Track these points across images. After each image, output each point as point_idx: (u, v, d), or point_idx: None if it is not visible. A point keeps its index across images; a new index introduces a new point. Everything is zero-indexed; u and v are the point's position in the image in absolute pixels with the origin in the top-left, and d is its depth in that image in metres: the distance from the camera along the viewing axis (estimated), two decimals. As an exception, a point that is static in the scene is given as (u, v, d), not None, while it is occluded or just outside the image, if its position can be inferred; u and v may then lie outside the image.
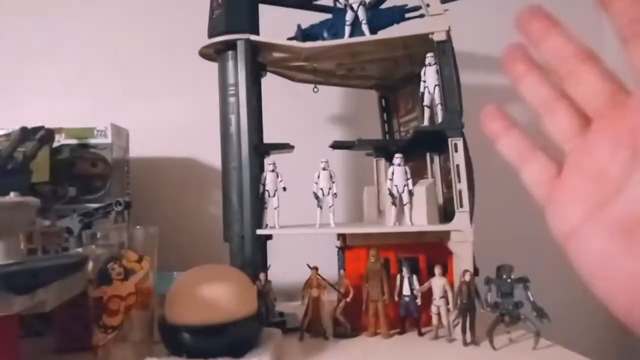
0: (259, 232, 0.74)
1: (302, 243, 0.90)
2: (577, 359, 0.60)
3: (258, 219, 0.75)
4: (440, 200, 0.79)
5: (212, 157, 0.93)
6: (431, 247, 0.74)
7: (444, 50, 0.69)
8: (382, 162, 0.88)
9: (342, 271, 0.73)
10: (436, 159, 0.80)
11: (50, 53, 1.10)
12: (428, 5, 0.70)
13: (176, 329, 0.57)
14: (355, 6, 0.73)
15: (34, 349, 0.68)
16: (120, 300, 0.57)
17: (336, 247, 0.80)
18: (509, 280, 0.64)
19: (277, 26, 0.78)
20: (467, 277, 0.65)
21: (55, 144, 0.85)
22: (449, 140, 0.68)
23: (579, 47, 0.26)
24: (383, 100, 0.96)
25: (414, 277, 0.70)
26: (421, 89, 0.72)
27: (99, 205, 0.73)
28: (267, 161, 0.77)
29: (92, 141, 0.87)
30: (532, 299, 0.63)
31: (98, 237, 0.63)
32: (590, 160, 0.25)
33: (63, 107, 1.04)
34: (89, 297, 0.59)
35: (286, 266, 0.85)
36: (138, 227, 0.65)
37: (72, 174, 0.87)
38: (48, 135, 0.77)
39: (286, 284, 0.85)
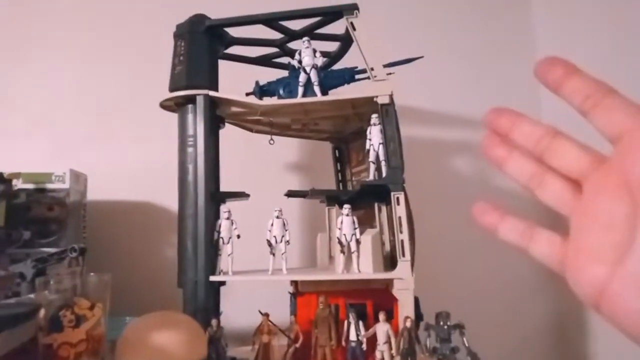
0: (212, 278, 0.76)
1: (256, 288, 0.93)
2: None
3: (212, 266, 0.77)
4: (388, 248, 0.83)
5: (170, 201, 0.95)
6: (378, 293, 0.78)
7: (387, 112, 0.75)
8: (334, 210, 0.93)
9: (292, 317, 0.76)
10: (383, 208, 0.85)
11: (11, 97, 1.12)
12: (372, 69, 0.77)
13: (125, 377, 0.59)
14: (307, 69, 0.79)
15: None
16: (71, 348, 0.58)
17: (289, 292, 0.83)
18: (446, 326, 0.69)
19: (236, 79, 0.83)
20: (408, 324, 0.69)
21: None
22: (392, 194, 0.74)
23: (545, 128, 0.29)
24: (336, 151, 1.02)
25: (360, 323, 0.73)
26: (367, 147, 0.78)
27: (54, 251, 0.74)
28: (223, 209, 0.80)
29: (50, 186, 0.89)
30: (467, 345, 0.68)
31: (51, 283, 0.64)
32: (594, 219, 0.25)
33: (22, 151, 1.05)
34: (38, 343, 0.60)
35: (240, 310, 0.86)
36: (92, 274, 0.67)
37: (28, 218, 0.87)
38: (6, 188, 0.79)
39: (240, 328, 0.86)
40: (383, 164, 0.76)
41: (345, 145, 1.00)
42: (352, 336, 0.73)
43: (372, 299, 0.79)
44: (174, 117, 0.84)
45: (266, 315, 0.73)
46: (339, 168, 1.02)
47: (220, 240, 0.78)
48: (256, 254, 0.80)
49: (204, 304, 0.76)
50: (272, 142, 0.91)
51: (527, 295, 1.14)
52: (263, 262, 0.79)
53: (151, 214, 1.09)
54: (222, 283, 0.80)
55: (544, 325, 1.15)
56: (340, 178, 1.02)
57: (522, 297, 1.15)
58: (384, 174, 0.76)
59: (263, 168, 1.10)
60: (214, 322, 0.73)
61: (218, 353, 0.72)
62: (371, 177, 0.78)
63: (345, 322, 0.74)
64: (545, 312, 1.15)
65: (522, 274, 1.12)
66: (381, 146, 0.76)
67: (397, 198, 0.74)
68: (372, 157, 0.77)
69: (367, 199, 0.84)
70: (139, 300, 0.85)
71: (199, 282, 0.76)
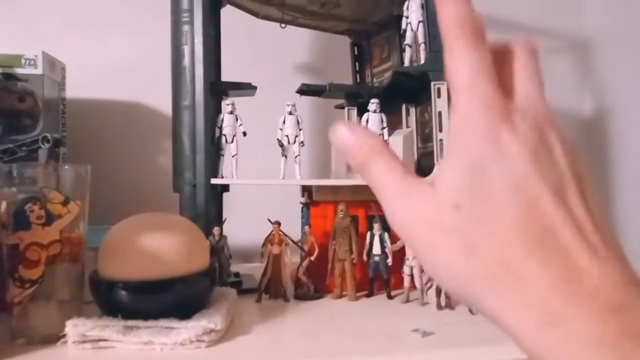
0: (213, 181, 0.65)
1: (262, 198, 0.82)
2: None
3: (213, 167, 0.66)
4: (416, 156, 0.72)
5: (161, 102, 0.83)
6: (404, 205, 0.67)
7: (432, -19, 0.61)
8: (354, 112, 0.80)
9: (306, 227, 0.66)
10: (412, 110, 0.73)
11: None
12: None
13: (111, 285, 0.48)
14: None
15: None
16: (41, 249, 0.48)
17: (300, 203, 0.72)
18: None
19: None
20: (446, 235, 0.59)
21: (-26, 74, 0.73)
22: (432, 84, 0.61)
23: None
24: (355, 48, 0.88)
25: (386, 234, 0.63)
26: (403, 26, 0.64)
27: (23, 141, 0.62)
28: (226, 102, 0.68)
29: (20, 71, 0.75)
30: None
31: (15, 174, 0.52)
32: None
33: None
34: (2, 245, 0.49)
35: (244, 224, 0.76)
36: (66, 166, 0.55)
37: (-6, 109, 0.74)
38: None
39: (243, 244, 0.77)
40: (422, 47, 0.62)
41: (366, 40, 0.86)
42: (376, 249, 0.63)
43: (397, 211, 0.68)
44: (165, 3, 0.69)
45: (277, 223, 0.63)
46: (357, 68, 0.88)
47: (223, 137, 0.66)
48: (260, 163, 0.68)
49: (204, 210, 0.64)
50: (283, 26, 0.76)
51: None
52: (269, 172, 0.67)
53: (141, 115, 0.96)
54: (225, 189, 0.69)
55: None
56: (359, 80, 0.88)
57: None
58: (422, 60, 0.63)
59: (270, 66, 0.95)
60: (216, 230, 0.62)
61: (221, 265, 0.62)
62: (407, 64, 0.65)
63: (368, 234, 0.64)
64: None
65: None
66: (421, 25, 0.62)
67: (439, 89, 0.61)
68: (408, 39, 0.63)
69: (393, 99, 0.72)
70: (127, 209, 0.74)
71: (198, 184, 0.65)
